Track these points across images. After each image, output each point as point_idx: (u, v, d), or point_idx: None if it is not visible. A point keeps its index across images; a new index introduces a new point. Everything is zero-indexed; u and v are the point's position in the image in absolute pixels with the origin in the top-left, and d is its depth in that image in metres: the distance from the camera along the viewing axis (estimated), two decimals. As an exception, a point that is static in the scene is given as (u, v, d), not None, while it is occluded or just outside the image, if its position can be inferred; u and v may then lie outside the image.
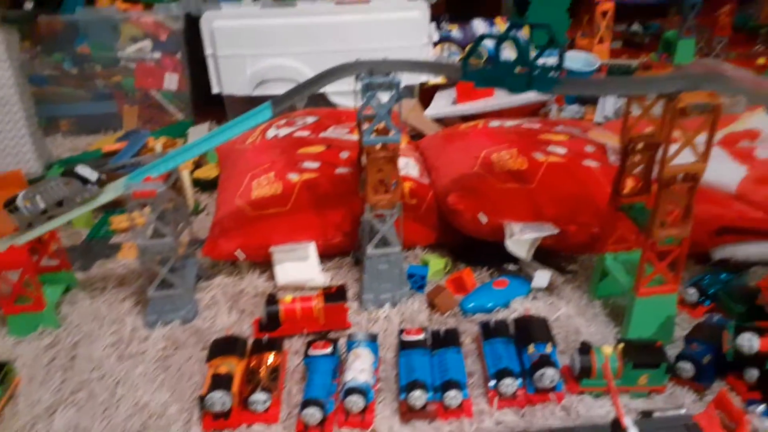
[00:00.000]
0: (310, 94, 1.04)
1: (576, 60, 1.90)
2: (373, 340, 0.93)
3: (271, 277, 1.16)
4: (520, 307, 1.04)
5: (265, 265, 1.18)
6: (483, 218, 1.07)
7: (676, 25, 2.26)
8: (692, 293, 0.99)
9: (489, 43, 1.96)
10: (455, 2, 2.69)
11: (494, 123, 1.29)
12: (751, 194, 1.12)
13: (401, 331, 0.93)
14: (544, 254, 1.10)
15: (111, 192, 1.04)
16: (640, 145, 0.91)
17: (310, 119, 1.37)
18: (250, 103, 1.84)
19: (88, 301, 1.13)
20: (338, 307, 1.01)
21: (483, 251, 1.14)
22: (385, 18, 1.73)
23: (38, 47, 1.82)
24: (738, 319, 0.94)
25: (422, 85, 1.84)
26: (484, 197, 1.08)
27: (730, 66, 1.82)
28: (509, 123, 1.28)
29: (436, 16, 2.43)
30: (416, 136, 1.61)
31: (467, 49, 0.85)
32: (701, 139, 0.81)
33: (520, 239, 1.04)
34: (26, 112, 1.57)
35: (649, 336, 0.93)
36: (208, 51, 1.77)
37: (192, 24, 1.81)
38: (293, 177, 1.19)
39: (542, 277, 1.04)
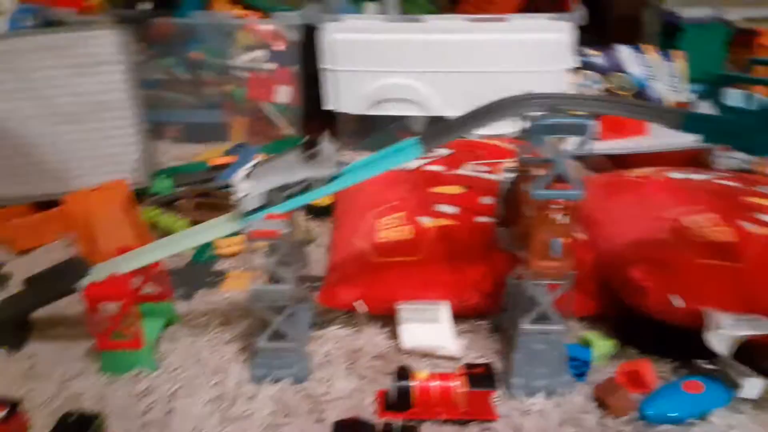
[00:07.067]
0: (465, 134, 0.85)
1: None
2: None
3: (394, 334, 0.99)
4: (721, 422, 0.81)
5: (385, 318, 1.02)
6: (678, 302, 0.85)
7: None
8: None
9: (637, 71, 1.73)
10: (589, 27, 2.46)
11: (676, 174, 1.06)
12: None
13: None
14: (747, 351, 0.87)
15: (226, 226, 0.91)
16: None
17: (444, 151, 1.20)
18: (364, 122, 1.72)
19: (189, 339, 1.01)
20: (484, 393, 0.82)
21: (656, 334, 0.92)
22: (525, 39, 1.53)
23: (151, 50, 1.75)
24: None
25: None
26: (678, 275, 0.86)
27: None
28: (695, 176, 1.04)
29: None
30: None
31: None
32: None
33: (727, 334, 0.81)
34: (136, 118, 1.48)
35: None
36: (325, 64, 1.64)
37: (307, 35, 1.68)
38: (426, 221, 1.02)
39: (754, 385, 0.81)
